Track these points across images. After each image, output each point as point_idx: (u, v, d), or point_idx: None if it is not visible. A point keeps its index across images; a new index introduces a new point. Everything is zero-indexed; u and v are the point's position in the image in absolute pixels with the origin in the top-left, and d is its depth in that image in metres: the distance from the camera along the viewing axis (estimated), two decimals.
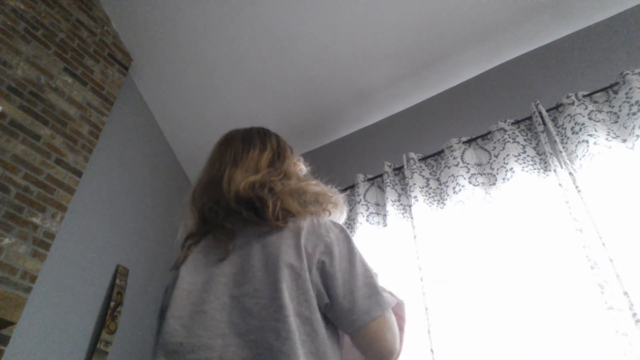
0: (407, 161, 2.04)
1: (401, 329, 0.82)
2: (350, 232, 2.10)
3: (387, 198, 2.00)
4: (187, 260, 0.83)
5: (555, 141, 1.66)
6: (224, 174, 0.86)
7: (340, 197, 0.91)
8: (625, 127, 1.59)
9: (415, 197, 1.88)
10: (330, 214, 0.88)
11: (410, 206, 1.88)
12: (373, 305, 0.74)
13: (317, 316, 0.71)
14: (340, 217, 0.92)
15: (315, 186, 0.88)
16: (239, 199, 0.82)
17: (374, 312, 0.74)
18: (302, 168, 0.97)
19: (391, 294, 0.80)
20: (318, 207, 0.86)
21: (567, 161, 1.58)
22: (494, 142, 1.88)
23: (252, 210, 0.81)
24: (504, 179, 1.75)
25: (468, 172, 1.86)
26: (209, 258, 0.81)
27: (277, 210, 0.79)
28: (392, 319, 0.77)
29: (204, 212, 0.87)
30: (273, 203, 0.79)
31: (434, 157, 2.06)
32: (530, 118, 1.84)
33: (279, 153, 0.94)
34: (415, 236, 1.78)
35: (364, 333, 0.73)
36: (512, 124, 1.88)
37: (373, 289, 0.76)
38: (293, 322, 0.67)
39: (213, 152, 0.99)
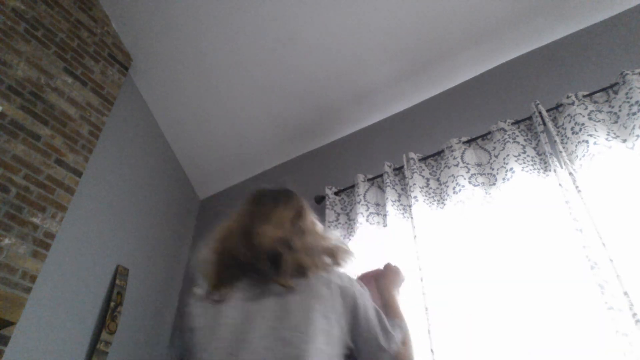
0: (407, 161, 2.04)
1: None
2: (350, 232, 2.11)
3: (387, 198, 2.00)
4: (228, 298, 0.95)
5: (555, 141, 1.66)
6: (255, 227, 1.01)
7: (348, 248, 1.07)
8: (625, 127, 1.59)
9: (415, 197, 1.88)
10: (341, 265, 1.03)
11: (410, 206, 1.88)
12: (391, 344, 0.95)
13: (337, 352, 0.89)
14: (350, 265, 1.06)
15: (327, 241, 1.05)
16: (265, 252, 0.96)
17: (392, 348, 0.94)
18: (319, 225, 1.12)
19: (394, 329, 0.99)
20: (331, 261, 1.01)
21: (567, 161, 1.58)
22: (494, 142, 1.88)
23: (270, 263, 0.95)
24: (504, 179, 1.75)
25: (468, 172, 1.86)
26: (247, 295, 0.95)
27: (291, 266, 0.94)
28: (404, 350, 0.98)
29: (237, 255, 1.00)
30: (290, 259, 0.94)
31: (434, 157, 2.06)
32: (530, 118, 1.84)
33: (300, 212, 1.09)
34: (415, 236, 1.78)
35: None
36: (512, 124, 1.88)
37: (388, 330, 0.96)
38: (315, 355, 0.83)
39: (245, 205, 1.13)
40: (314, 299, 0.91)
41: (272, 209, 1.07)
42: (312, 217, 1.11)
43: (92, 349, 2.04)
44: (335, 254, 1.03)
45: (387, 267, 1.24)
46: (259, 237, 0.98)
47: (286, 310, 0.89)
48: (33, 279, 1.84)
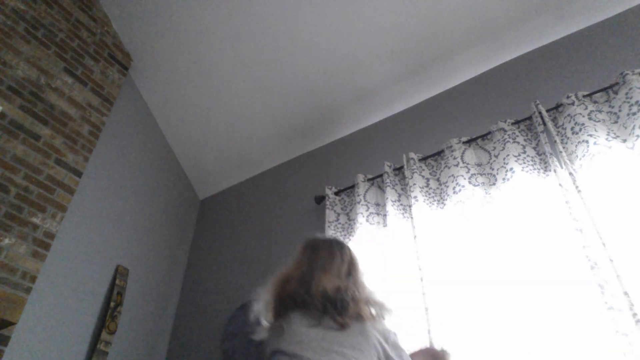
0: (407, 161, 2.04)
1: None
2: (350, 232, 2.11)
3: (387, 198, 2.00)
4: (287, 327, 1.13)
5: (555, 141, 1.66)
6: (314, 276, 1.19)
7: (389, 304, 1.25)
8: (625, 127, 1.59)
9: (415, 197, 1.88)
10: (384, 318, 1.22)
11: (410, 206, 1.88)
12: None
13: None
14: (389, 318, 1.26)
15: (375, 295, 1.23)
16: (325, 296, 1.14)
17: None
18: (364, 272, 1.30)
19: None
20: (379, 314, 1.20)
21: (567, 161, 1.58)
22: (494, 142, 1.88)
23: (332, 307, 1.12)
24: (504, 179, 1.75)
25: (468, 172, 1.86)
26: (303, 323, 1.12)
27: (353, 312, 1.12)
28: None
29: (294, 296, 1.18)
30: (353, 307, 1.13)
31: (434, 157, 2.06)
32: (530, 118, 1.85)
33: (353, 264, 1.28)
34: (415, 236, 1.78)
35: None
36: (512, 124, 1.88)
37: None
38: None
39: (300, 254, 1.30)
40: (361, 337, 1.10)
41: (328, 259, 1.25)
42: (361, 267, 1.30)
43: (92, 349, 2.04)
44: (381, 308, 1.22)
45: (444, 351, 1.41)
46: (319, 286, 1.16)
47: (339, 340, 1.08)
48: (33, 279, 1.84)
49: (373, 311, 1.19)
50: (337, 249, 1.30)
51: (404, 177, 2.08)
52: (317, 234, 1.43)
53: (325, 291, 1.15)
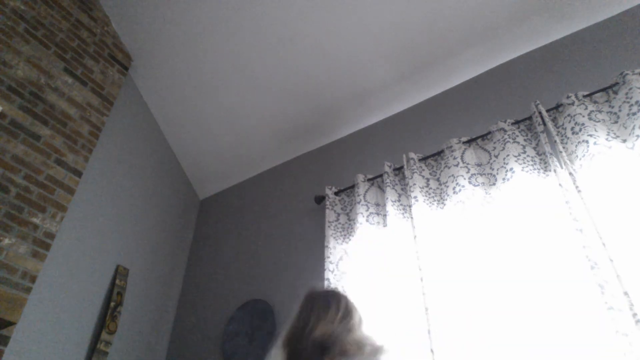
0: (407, 161, 2.04)
1: None
2: (350, 232, 2.11)
3: (387, 198, 2.00)
4: None
5: (555, 141, 1.66)
6: (308, 326, 1.26)
7: (380, 347, 1.29)
8: (625, 127, 1.59)
9: (415, 197, 1.88)
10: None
11: (410, 206, 1.88)
12: None
13: None
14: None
15: (372, 339, 1.27)
16: (315, 343, 1.21)
17: None
18: (361, 319, 1.37)
19: None
20: (371, 354, 1.23)
21: (567, 161, 1.58)
22: (494, 142, 1.88)
23: (320, 349, 1.19)
24: (504, 179, 1.75)
25: (468, 172, 1.86)
26: None
27: (340, 351, 1.18)
28: None
29: (295, 351, 1.25)
30: (339, 346, 1.19)
31: (434, 157, 2.06)
32: (530, 118, 1.85)
33: (347, 312, 1.33)
34: (415, 236, 1.78)
35: None
36: (512, 124, 1.88)
37: None
38: None
39: (300, 309, 1.36)
40: None
41: (323, 309, 1.31)
42: (358, 315, 1.37)
43: (92, 349, 2.04)
44: (376, 351, 1.26)
45: None
46: (311, 334, 1.23)
47: None
48: (33, 279, 1.84)
49: (366, 350, 1.25)
50: (332, 299, 1.37)
51: (404, 177, 2.08)
52: (316, 287, 1.57)
53: (315, 338, 1.22)
